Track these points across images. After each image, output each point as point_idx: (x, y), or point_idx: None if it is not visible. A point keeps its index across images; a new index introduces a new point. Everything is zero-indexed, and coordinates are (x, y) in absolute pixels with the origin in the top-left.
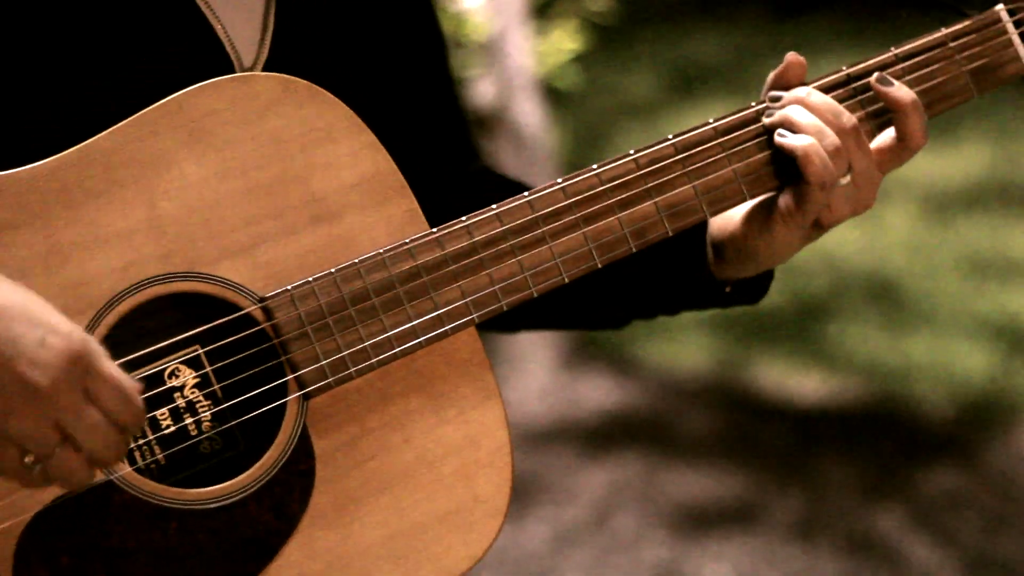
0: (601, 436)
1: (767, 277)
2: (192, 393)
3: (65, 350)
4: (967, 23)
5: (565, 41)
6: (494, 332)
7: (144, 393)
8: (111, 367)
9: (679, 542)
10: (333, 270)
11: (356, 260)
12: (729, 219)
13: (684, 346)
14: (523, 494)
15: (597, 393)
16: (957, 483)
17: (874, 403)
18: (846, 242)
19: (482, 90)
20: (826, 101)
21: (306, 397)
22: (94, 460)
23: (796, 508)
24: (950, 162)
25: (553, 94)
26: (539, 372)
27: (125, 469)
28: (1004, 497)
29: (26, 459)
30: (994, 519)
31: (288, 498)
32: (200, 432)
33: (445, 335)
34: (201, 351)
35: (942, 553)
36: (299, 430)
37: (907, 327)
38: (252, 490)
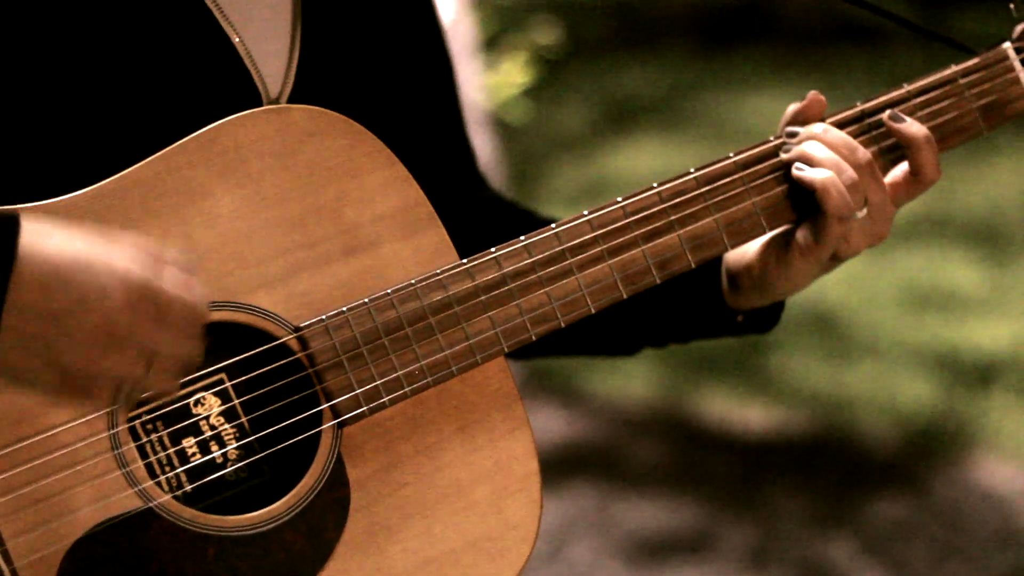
0: (553, 468)
1: (779, 307)
2: (218, 421)
3: (126, 292)
4: (976, 60)
5: (515, 75)
6: (514, 360)
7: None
8: (168, 283)
9: (633, 572)
10: (367, 300)
11: (389, 290)
12: (746, 251)
13: (630, 378)
14: None
15: (548, 425)
16: (905, 512)
17: (820, 434)
18: None
19: None
20: (842, 137)
21: (340, 426)
22: (181, 365)
23: (748, 538)
24: None
25: (502, 128)
26: None
27: (164, 497)
28: (951, 526)
29: (123, 389)
30: (942, 547)
31: (323, 525)
32: (227, 461)
33: (476, 364)
34: (228, 382)
35: None
36: (334, 458)
37: (849, 359)
38: (288, 517)
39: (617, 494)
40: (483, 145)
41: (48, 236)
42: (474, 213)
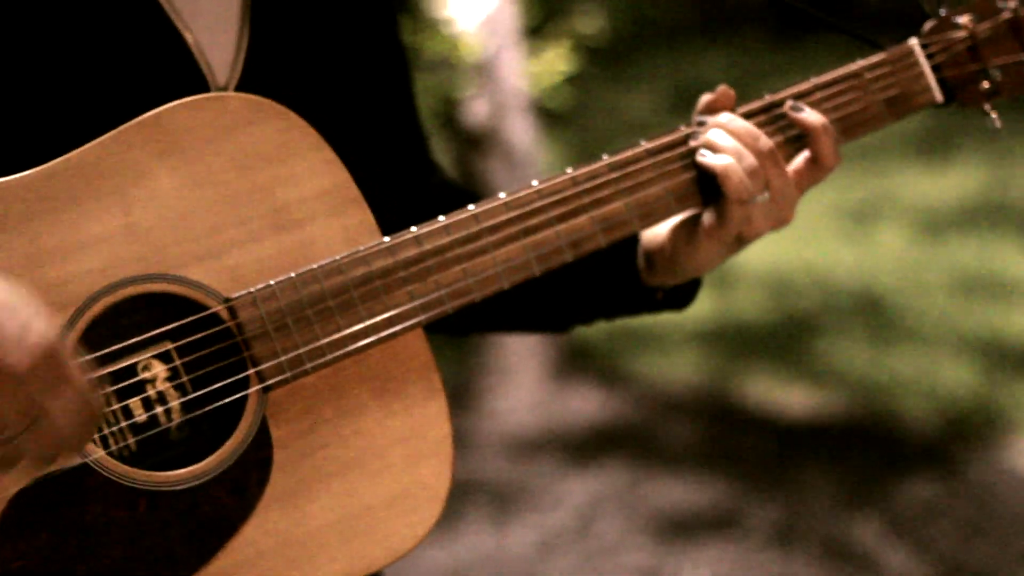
0: (587, 446)
1: (695, 284)
2: (163, 385)
3: (41, 341)
4: (883, 56)
5: (557, 62)
6: (449, 336)
7: (104, 396)
8: (76, 367)
9: (660, 548)
10: (293, 274)
11: (315, 266)
12: (659, 232)
13: (673, 359)
14: (509, 500)
15: (585, 404)
16: (935, 493)
17: (858, 417)
18: (837, 259)
19: (476, 110)
20: (745, 126)
21: (266, 390)
22: (58, 442)
23: (775, 516)
24: (943, 182)
25: (546, 114)
26: (528, 383)
27: (99, 453)
28: (980, 508)
29: None
30: (970, 528)
31: (247, 482)
32: (169, 420)
33: (395, 335)
34: (171, 346)
35: (917, 560)
36: (259, 420)
37: (894, 343)
38: (215, 474)
39: (648, 472)
40: (525, 131)
41: None
42: (420, 197)
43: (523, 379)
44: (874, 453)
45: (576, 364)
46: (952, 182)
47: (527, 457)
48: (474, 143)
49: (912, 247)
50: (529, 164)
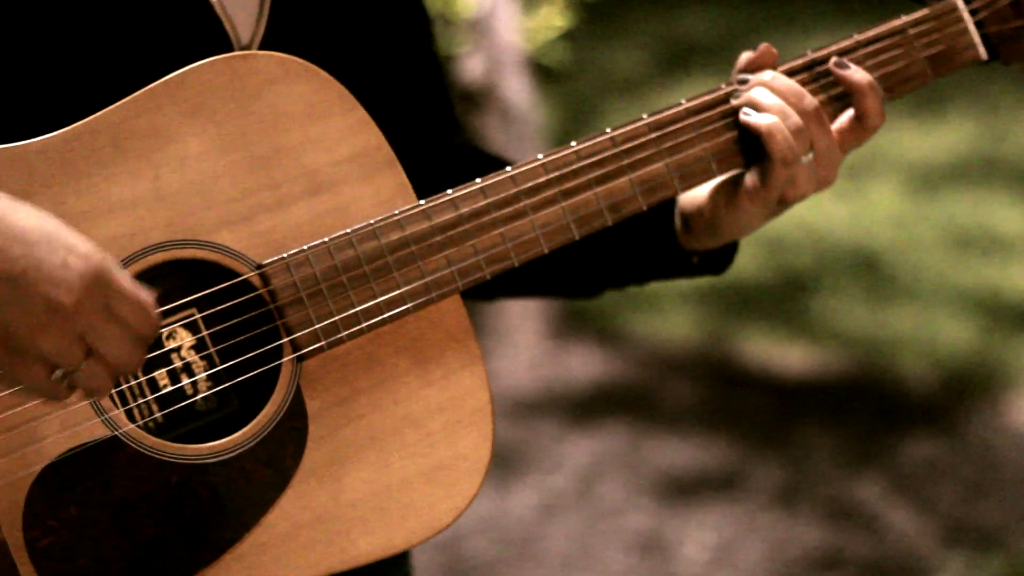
0: (587, 406)
1: (732, 248)
2: (189, 355)
3: (85, 269)
4: (925, 12)
5: (553, 18)
6: (473, 300)
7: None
8: (127, 282)
9: (663, 510)
10: (327, 239)
11: (348, 230)
12: (698, 194)
13: (671, 318)
14: (510, 463)
15: (584, 364)
16: (937, 452)
17: (857, 375)
18: (831, 216)
19: (471, 66)
20: (789, 84)
21: (300, 359)
22: (117, 369)
23: (778, 477)
24: (936, 137)
25: (541, 71)
26: (527, 343)
27: (128, 426)
28: (983, 466)
29: (54, 374)
30: (972, 487)
31: (282, 454)
32: (196, 392)
33: (432, 302)
34: (198, 315)
35: (921, 520)
36: (293, 390)
37: (890, 300)
38: (249, 446)
39: (650, 433)
40: (520, 88)
41: (18, 207)
42: (444, 159)
43: (521, 339)
44: (875, 412)
45: (574, 324)
46: (944, 137)
47: (527, 418)
48: (469, 100)
49: (906, 203)
50: (525, 122)
